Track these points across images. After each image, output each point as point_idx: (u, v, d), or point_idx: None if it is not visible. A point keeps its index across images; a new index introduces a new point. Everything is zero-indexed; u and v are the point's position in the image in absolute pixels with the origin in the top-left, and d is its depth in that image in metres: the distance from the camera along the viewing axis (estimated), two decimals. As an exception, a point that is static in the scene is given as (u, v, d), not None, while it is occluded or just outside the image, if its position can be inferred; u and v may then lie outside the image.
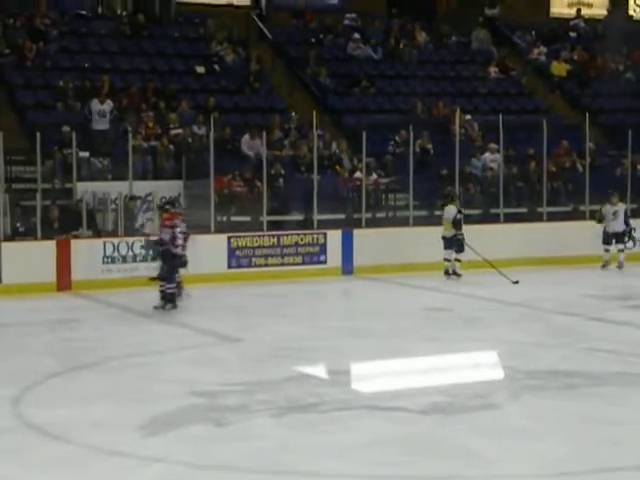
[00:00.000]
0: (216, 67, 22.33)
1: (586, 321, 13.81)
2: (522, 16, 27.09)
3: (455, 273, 17.60)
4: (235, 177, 18.68)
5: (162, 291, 14.54)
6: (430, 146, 20.93)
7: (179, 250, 14.40)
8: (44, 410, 8.98)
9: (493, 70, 25.19)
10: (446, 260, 17.66)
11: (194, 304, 15.18)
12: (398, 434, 8.28)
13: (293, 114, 21.20)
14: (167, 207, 15.00)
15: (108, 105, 19.17)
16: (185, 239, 14.55)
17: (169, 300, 14.49)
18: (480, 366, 11.35)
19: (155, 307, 14.43)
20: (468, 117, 22.22)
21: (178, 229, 14.43)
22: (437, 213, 19.14)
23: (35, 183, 16.96)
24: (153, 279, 14.73)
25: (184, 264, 14.61)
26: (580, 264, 18.90)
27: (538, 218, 20.19)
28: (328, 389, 9.87)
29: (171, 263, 14.49)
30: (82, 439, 8.06)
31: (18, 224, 16.65)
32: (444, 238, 17.58)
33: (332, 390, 9.82)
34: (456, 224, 17.49)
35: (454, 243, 17.51)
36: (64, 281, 16.05)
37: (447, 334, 12.84)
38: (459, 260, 17.66)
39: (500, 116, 20.26)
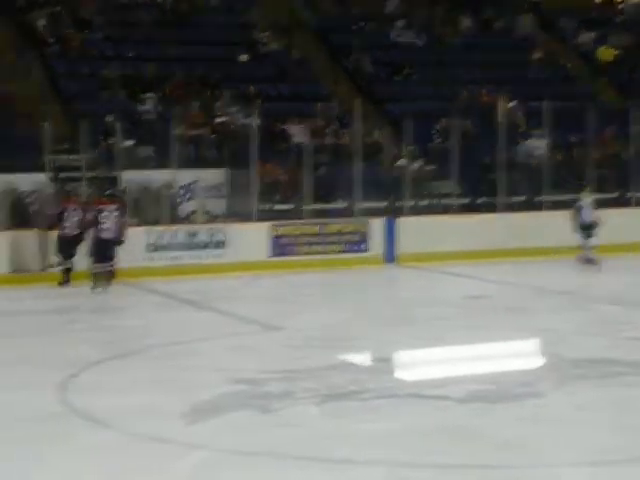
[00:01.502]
0: (259, 55, 22.34)
1: (632, 310, 13.66)
2: (567, 0, 26.78)
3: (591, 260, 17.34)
4: (278, 165, 18.70)
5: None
6: (474, 133, 20.79)
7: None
8: (89, 397, 9.07)
9: (538, 56, 24.94)
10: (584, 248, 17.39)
11: (237, 292, 15.26)
12: (441, 422, 8.25)
13: (336, 102, 21.15)
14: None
15: (152, 101, 19.18)
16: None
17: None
18: (523, 354, 11.30)
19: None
20: (512, 104, 22.02)
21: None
22: (479, 201, 19.05)
23: (80, 172, 17.11)
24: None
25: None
26: (627, 252, 18.68)
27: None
28: (370, 377, 9.88)
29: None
30: (126, 426, 8.14)
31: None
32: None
33: (374, 378, 9.82)
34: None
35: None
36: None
37: (490, 322, 12.78)
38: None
39: (545, 102, 20.06)
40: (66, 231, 15.52)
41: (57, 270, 15.54)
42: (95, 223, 15.39)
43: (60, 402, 8.90)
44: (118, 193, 16.38)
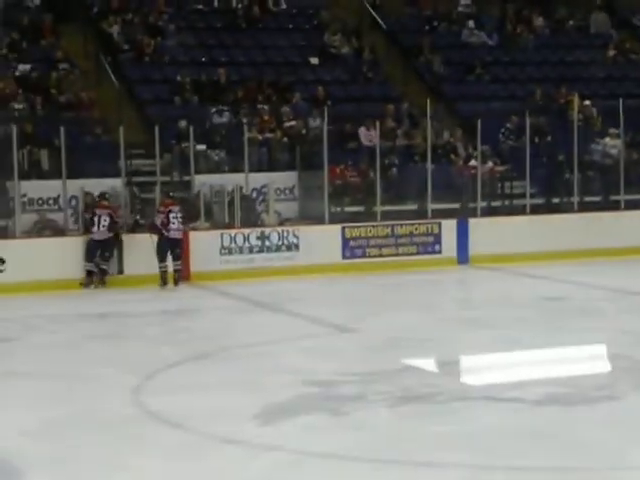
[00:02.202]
0: (330, 57, 22.38)
1: None
2: (642, -3, 26.34)
3: None
4: (349, 167, 18.71)
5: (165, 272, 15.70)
6: (547, 132, 20.56)
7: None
8: (163, 399, 9.18)
9: (612, 53, 24.56)
10: None
11: (309, 294, 15.30)
12: (517, 425, 8.18)
13: (406, 103, 21.09)
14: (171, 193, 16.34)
15: (226, 117, 19.30)
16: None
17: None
18: (598, 356, 11.12)
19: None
20: (587, 102, 21.70)
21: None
22: (554, 201, 18.82)
23: (154, 176, 17.33)
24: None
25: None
26: None
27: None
28: (444, 379, 9.83)
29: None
30: (199, 428, 8.21)
31: (138, 216, 17.05)
32: None
33: (447, 380, 9.77)
34: None
35: None
36: (183, 272, 16.33)
37: (564, 324, 12.61)
38: None
39: (620, 100, 19.74)
40: (95, 236, 15.75)
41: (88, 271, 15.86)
42: (165, 224, 15.68)
43: (135, 404, 9.02)
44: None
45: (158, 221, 15.83)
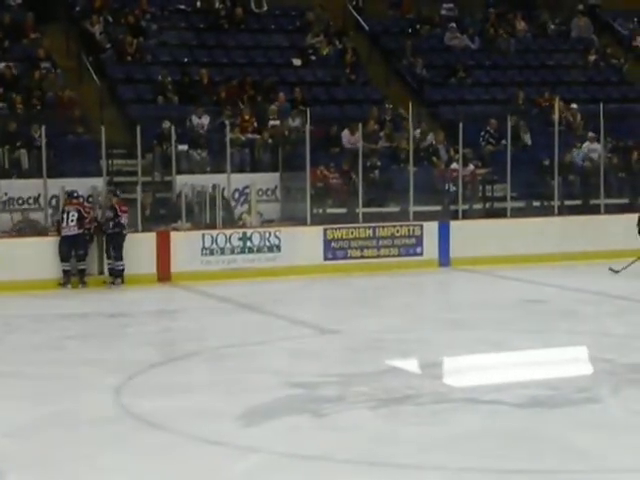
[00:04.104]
0: (313, 59, 22.39)
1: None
2: (623, 3, 26.45)
3: None
4: (331, 169, 18.73)
5: (112, 268, 15.84)
6: (528, 136, 20.66)
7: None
8: (146, 400, 9.15)
9: (593, 58, 24.69)
10: None
11: (291, 296, 15.30)
12: (498, 427, 8.20)
13: (389, 106, 21.13)
14: (118, 193, 16.34)
15: (206, 118, 19.24)
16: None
17: (120, 275, 15.87)
18: (579, 359, 11.17)
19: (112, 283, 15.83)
20: (574, 106, 21.80)
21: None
22: (535, 204, 18.90)
23: (136, 176, 17.28)
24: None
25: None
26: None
27: (640, 209, 19.74)
28: (425, 381, 9.85)
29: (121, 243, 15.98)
30: (182, 428, 8.19)
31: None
32: None
33: (429, 382, 9.79)
34: None
35: None
36: (164, 272, 16.32)
37: (545, 326, 12.67)
38: None
39: (601, 105, 19.85)
40: (64, 232, 15.74)
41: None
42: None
43: (116, 404, 8.99)
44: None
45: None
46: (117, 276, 15.89)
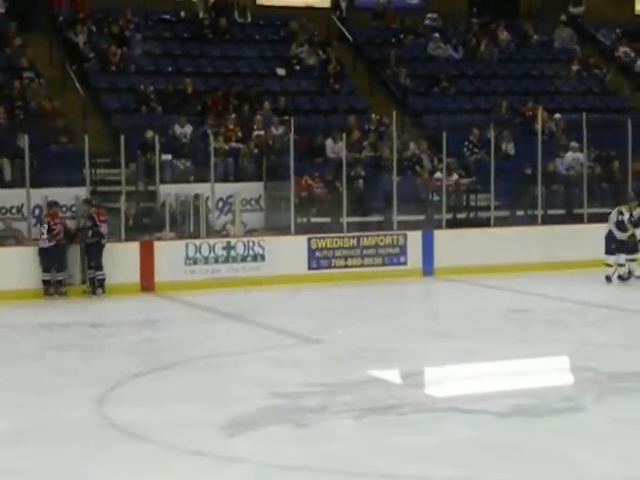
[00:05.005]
0: (297, 69, 22.42)
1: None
2: (606, 14, 26.63)
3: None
4: (315, 179, 18.74)
5: (93, 278, 15.69)
6: (512, 145, 20.74)
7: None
8: (128, 410, 9.12)
9: (576, 68, 24.81)
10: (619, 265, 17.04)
11: (275, 305, 15.29)
12: (481, 437, 8.19)
13: (373, 115, 21.17)
14: (94, 202, 16.23)
15: (188, 127, 19.22)
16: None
17: (101, 285, 15.74)
18: (563, 368, 11.20)
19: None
20: (557, 115, 21.90)
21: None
22: (519, 213, 18.96)
23: (119, 185, 17.25)
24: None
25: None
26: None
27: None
28: (408, 391, 9.85)
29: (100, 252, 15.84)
30: (165, 439, 8.16)
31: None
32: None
33: (412, 392, 9.79)
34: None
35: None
36: (148, 282, 16.28)
37: (528, 336, 12.70)
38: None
39: (584, 115, 19.94)
40: (40, 244, 15.70)
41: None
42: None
43: (99, 415, 8.95)
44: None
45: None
46: (98, 286, 15.82)
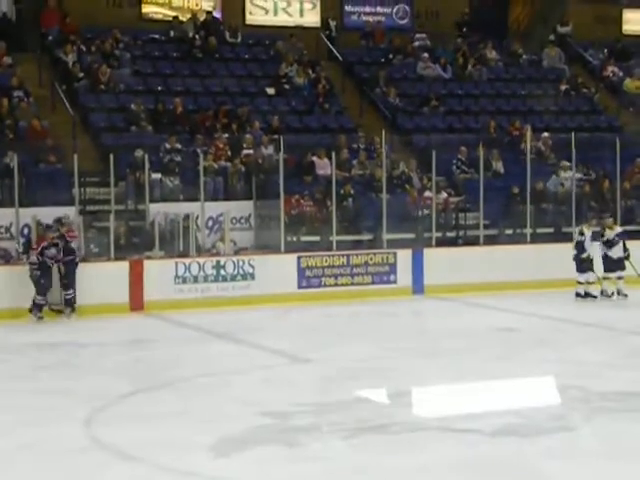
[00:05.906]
0: (286, 88, 22.49)
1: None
2: (594, 33, 26.80)
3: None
4: (305, 197, 18.76)
5: (69, 299, 15.50)
6: (500, 164, 20.82)
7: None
8: (116, 430, 9.08)
9: (564, 88, 24.94)
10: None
11: (264, 324, 15.26)
12: (472, 456, 8.19)
13: (362, 134, 21.23)
14: (63, 221, 16.04)
15: (176, 148, 19.23)
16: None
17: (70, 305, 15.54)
18: (552, 387, 11.19)
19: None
20: (546, 134, 21.99)
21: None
22: (507, 232, 19.01)
23: (108, 204, 17.23)
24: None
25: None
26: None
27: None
28: (398, 410, 9.83)
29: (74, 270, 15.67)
30: (154, 459, 8.13)
31: (92, 245, 16.92)
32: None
33: (402, 411, 9.77)
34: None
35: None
36: (137, 301, 16.24)
37: (518, 354, 12.69)
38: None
39: (572, 134, 20.02)
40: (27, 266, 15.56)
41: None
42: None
43: (87, 435, 8.91)
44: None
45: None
46: (67, 305, 15.58)
